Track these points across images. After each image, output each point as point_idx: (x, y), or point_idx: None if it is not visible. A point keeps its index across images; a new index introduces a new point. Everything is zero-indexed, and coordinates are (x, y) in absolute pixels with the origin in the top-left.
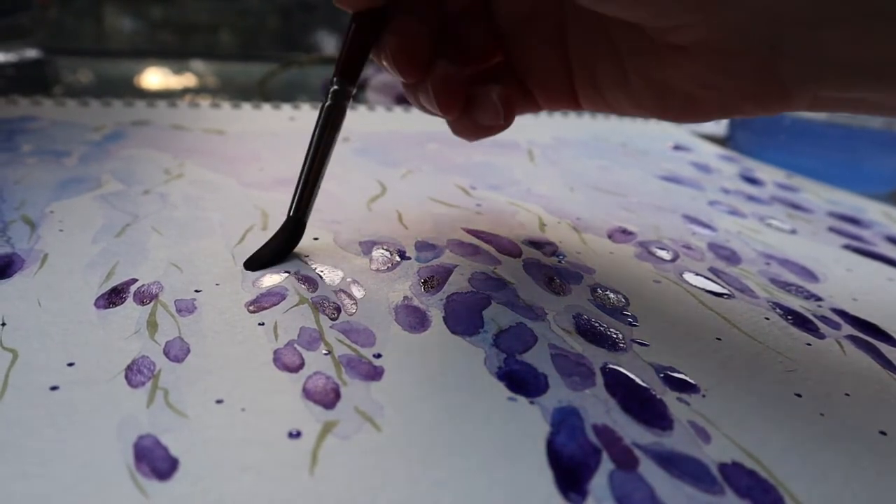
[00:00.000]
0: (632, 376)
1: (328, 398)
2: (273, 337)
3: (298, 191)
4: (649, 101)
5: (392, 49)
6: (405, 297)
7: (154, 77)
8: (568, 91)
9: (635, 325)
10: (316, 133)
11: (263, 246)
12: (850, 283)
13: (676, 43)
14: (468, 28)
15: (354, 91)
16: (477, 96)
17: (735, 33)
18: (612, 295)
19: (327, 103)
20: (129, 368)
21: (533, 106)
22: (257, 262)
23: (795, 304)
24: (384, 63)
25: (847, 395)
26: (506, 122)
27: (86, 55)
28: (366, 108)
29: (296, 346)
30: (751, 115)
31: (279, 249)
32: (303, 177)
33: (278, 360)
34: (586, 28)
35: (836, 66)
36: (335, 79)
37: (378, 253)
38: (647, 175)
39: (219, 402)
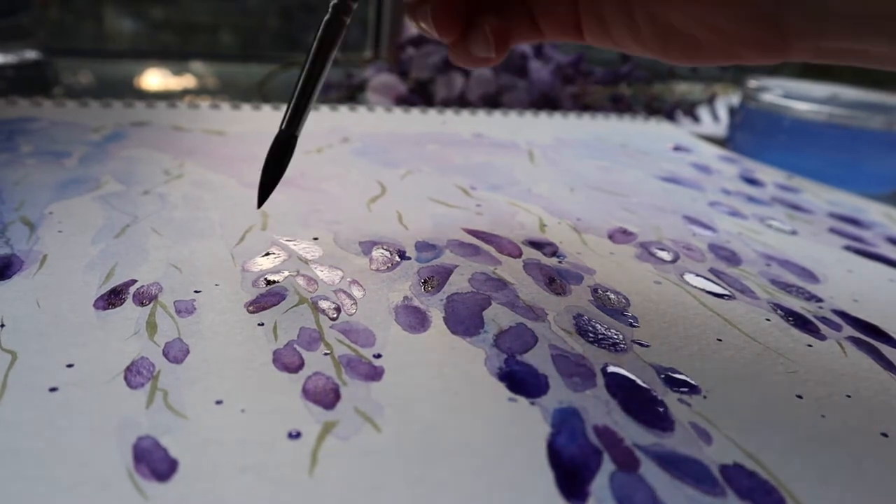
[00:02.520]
0: (632, 377)
1: (328, 398)
2: (273, 337)
3: (292, 105)
4: (652, 40)
5: None
6: (405, 298)
7: (154, 78)
8: (573, 24)
9: (636, 326)
10: (314, 47)
11: (262, 175)
12: (850, 284)
13: None
14: None
15: (356, 5)
16: (472, 26)
17: None
18: (612, 295)
19: (326, 17)
20: (128, 369)
21: (536, 35)
22: (262, 195)
23: (796, 305)
24: None
25: (848, 396)
26: (497, 57)
27: (86, 56)
28: (366, 108)
29: (295, 346)
30: (750, 62)
31: (275, 171)
32: (297, 91)
33: (278, 361)
34: None
35: (840, 18)
36: None
37: (378, 253)
38: (647, 176)
39: (218, 402)
